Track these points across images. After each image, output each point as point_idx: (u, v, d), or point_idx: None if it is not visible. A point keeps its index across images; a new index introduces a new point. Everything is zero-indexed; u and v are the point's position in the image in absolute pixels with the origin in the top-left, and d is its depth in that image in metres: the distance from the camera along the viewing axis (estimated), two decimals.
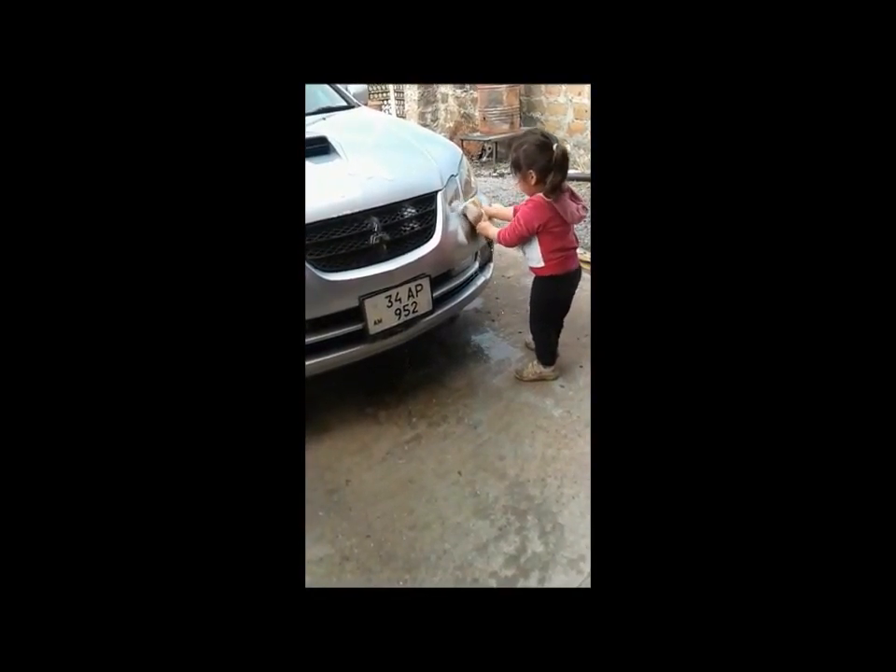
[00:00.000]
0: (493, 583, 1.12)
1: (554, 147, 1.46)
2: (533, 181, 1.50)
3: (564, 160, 1.47)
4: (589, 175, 4.13)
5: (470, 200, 1.73)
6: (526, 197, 1.58)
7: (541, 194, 1.51)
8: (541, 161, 1.46)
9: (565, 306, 1.71)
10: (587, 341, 1.94)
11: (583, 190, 3.88)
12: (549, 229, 1.52)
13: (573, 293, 1.69)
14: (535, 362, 1.76)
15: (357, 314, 1.43)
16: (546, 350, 1.73)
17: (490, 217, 1.72)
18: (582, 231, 3.04)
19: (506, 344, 1.99)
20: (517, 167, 1.52)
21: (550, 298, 1.66)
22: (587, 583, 1.11)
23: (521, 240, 1.57)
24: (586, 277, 2.40)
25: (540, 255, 1.57)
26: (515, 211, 1.60)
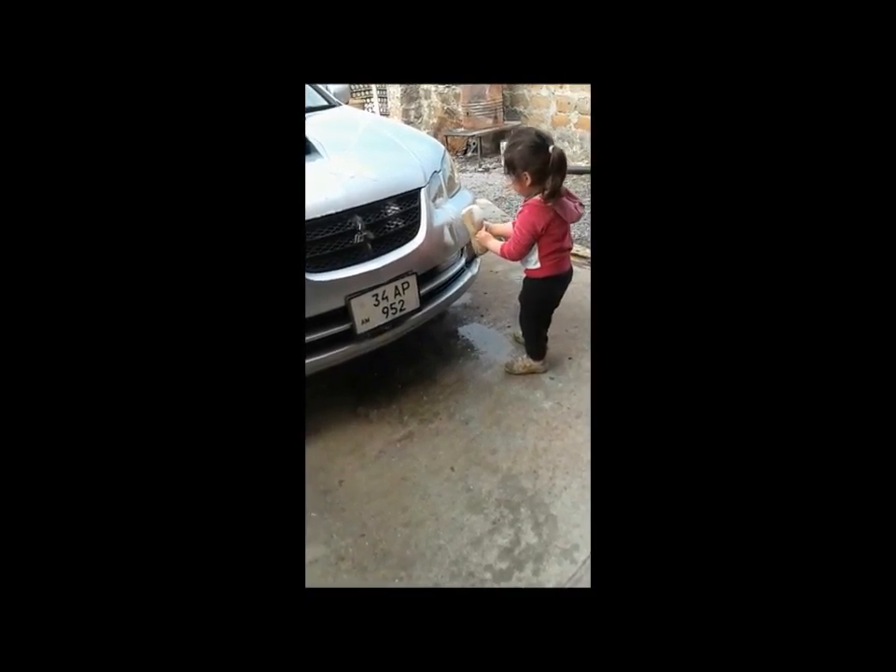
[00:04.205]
0: (488, 576, 1.13)
1: (550, 149, 1.41)
2: (528, 182, 1.45)
3: (561, 162, 1.41)
4: (575, 167, 4.14)
5: (471, 206, 1.70)
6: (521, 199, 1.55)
7: (538, 197, 1.47)
8: (537, 164, 1.42)
9: (554, 306, 1.71)
10: (576, 332, 1.95)
11: (568, 183, 3.89)
12: (549, 231, 1.49)
13: (563, 294, 1.69)
14: (524, 356, 1.76)
15: (343, 313, 1.42)
16: (535, 345, 1.74)
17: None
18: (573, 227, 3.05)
19: (495, 339, 2.00)
20: (511, 168, 1.47)
21: (541, 298, 1.66)
22: (581, 573, 1.12)
23: (527, 249, 1.52)
24: (577, 271, 2.42)
25: (537, 257, 1.54)
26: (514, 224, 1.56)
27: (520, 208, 1.55)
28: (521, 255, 1.54)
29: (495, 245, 1.62)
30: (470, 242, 1.71)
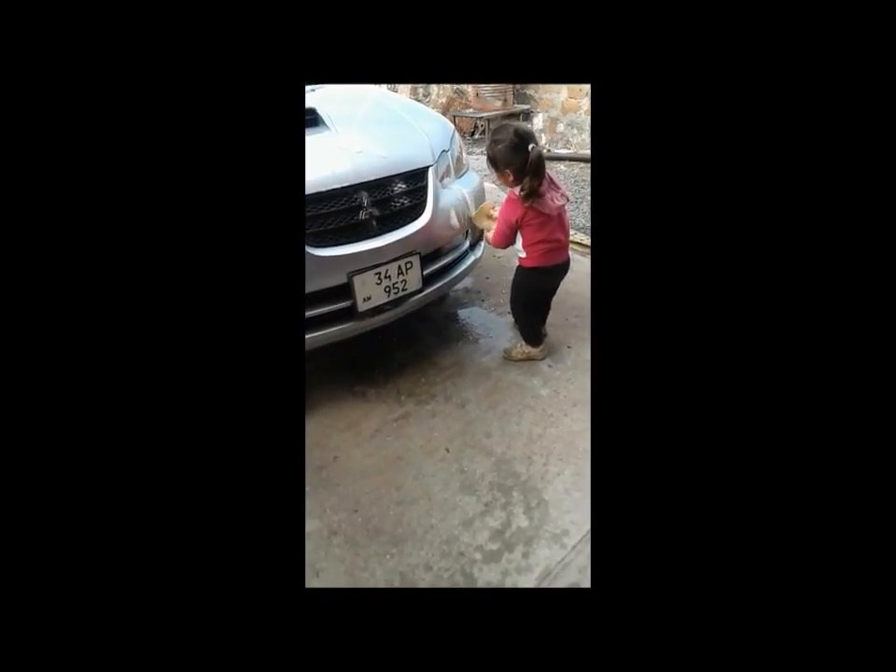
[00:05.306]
0: (478, 556, 1.15)
1: (530, 148, 1.41)
2: (511, 178, 1.48)
3: (539, 164, 1.41)
4: (583, 156, 4.09)
5: (487, 204, 1.70)
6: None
7: (515, 190, 1.48)
8: (517, 162, 1.43)
9: (546, 296, 1.72)
10: (576, 321, 1.95)
11: (576, 171, 3.85)
12: (526, 222, 1.50)
13: (556, 285, 1.69)
14: (523, 342, 1.76)
15: (345, 290, 1.41)
16: (530, 332, 1.74)
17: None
18: (574, 211, 3.03)
19: (495, 324, 1.99)
20: (494, 165, 1.49)
21: (530, 288, 1.67)
22: (570, 557, 1.14)
23: (508, 239, 1.56)
24: (578, 259, 2.40)
25: (521, 245, 1.57)
26: None
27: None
28: (502, 243, 1.58)
29: (488, 236, 1.64)
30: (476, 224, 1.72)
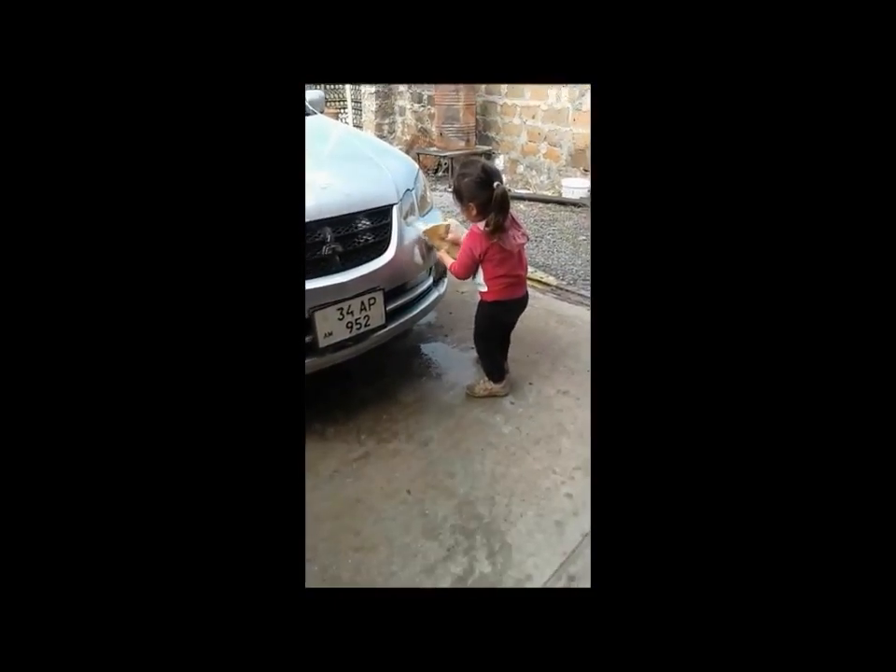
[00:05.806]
0: None
1: (495, 185, 1.45)
2: (474, 212, 1.52)
3: (503, 201, 1.46)
4: (542, 196, 4.26)
5: (442, 224, 1.71)
6: None
7: (480, 224, 1.52)
8: (481, 198, 1.48)
9: (506, 329, 1.76)
10: (537, 358, 1.98)
11: (535, 211, 4.00)
12: (489, 257, 1.54)
13: (515, 319, 1.74)
14: (486, 379, 1.77)
15: (306, 326, 1.38)
16: (493, 367, 1.75)
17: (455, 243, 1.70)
18: (534, 249, 3.12)
19: (458, 360, 1.99)
20: (459, 197, 1.54)
21: (491, 322, 1.70)
22: None
23: (469, 270, 1.59)
24: (538, 297, 2.46)
25: (482, 279, 1.60)
26: None
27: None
28: (463, 275, 1.61)
29: (448, 261, 1.66)
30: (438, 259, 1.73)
